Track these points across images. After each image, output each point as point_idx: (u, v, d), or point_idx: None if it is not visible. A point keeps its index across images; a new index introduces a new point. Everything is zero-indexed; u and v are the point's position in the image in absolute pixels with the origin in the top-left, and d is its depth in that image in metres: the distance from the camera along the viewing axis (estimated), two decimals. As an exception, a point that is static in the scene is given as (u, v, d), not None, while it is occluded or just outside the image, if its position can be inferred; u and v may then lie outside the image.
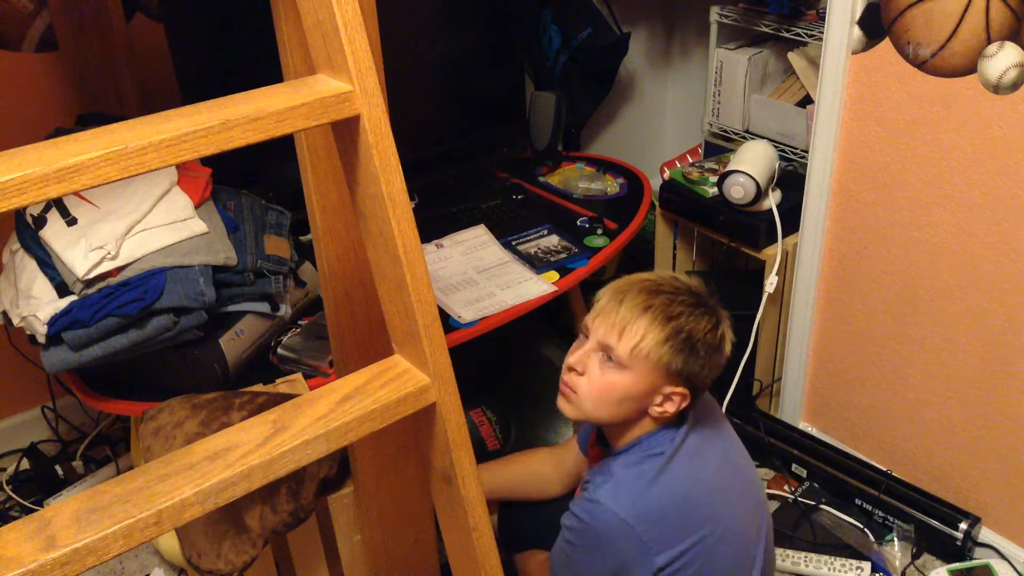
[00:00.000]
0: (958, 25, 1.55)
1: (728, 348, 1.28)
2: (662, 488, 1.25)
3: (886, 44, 1.67)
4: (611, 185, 2.37)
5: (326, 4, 0.83)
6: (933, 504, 1.87)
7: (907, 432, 1.95)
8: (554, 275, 1.95)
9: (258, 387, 1.58)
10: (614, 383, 1.25)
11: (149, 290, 1.48)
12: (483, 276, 1.91)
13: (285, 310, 1.73)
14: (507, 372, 2.20)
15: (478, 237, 2.05)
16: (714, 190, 2.14)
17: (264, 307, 1.69)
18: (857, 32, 1.70)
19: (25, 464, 2.13)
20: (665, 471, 1.26)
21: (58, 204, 1.52)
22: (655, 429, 1.30)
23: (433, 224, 2.14)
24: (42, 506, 2.02)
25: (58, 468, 2.09)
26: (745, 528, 1.34)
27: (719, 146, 2.51)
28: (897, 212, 1.78)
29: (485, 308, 1.81)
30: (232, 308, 1.64)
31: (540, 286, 1.89)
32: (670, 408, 1.26)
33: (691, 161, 2.54)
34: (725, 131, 2.49)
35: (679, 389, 1.25)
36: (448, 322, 1.78)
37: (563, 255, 2.02)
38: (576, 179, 2.39)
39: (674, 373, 1.24)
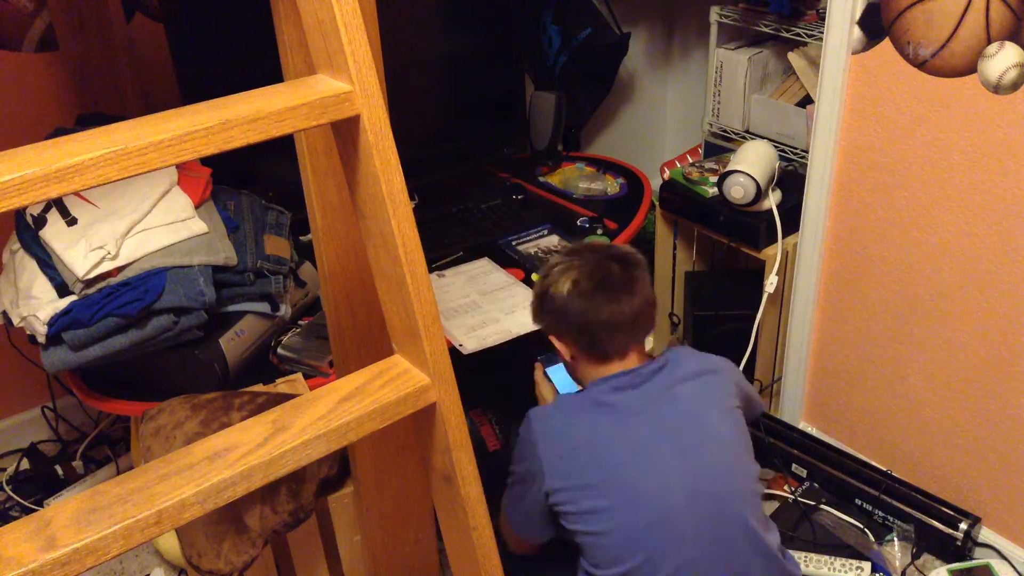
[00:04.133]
0: (958, 25, 1.55)
1: (560, 288, 1.40)
2: (575, 420, 1.37)
3: (886, 44, 1.67)
4: (611, 185, 2.37)
5: (326, 4, 0.83)
6: (933, 504, 1.87)
7: (907, 432, 1.95)
8: (554, 275, 1.94)
9: (258, 387, 1.58)
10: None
11: (149, 290, 1.48)
12: (486, 299, 1.87)
13: (285, 310, 1.73)
14: (508, 372, 2.20)
15: (481, 267, 2.01)
16: (714, 190, 2.13)
17: (264, 307, 1.69)
18: (857, 32, 1.70)
19: (25, 464, 2.13)
20: (582, 410, 1.38)
21: (58, 204, 1.52)
22: (595, 379, 1.41)
23: (433, 224, 2.14)
24: (42, 506, 2.02)
25: (58, 468, 2.09)
26: (664, 512, 1.31)
27: (719, 146, 2.51)
28: (897, 212, 1.78)
29: (488, 337, 1.76)
30: (232, 308, 1.64)
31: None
32: (565, 354, 1.44)
33: (691, 161, 2.54)
34: (725, 131, 2.49)
35: (551, 339, 1.45)
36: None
37: (563, 255, 2.02)
38: (576, 179, 2.39)
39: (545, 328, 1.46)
